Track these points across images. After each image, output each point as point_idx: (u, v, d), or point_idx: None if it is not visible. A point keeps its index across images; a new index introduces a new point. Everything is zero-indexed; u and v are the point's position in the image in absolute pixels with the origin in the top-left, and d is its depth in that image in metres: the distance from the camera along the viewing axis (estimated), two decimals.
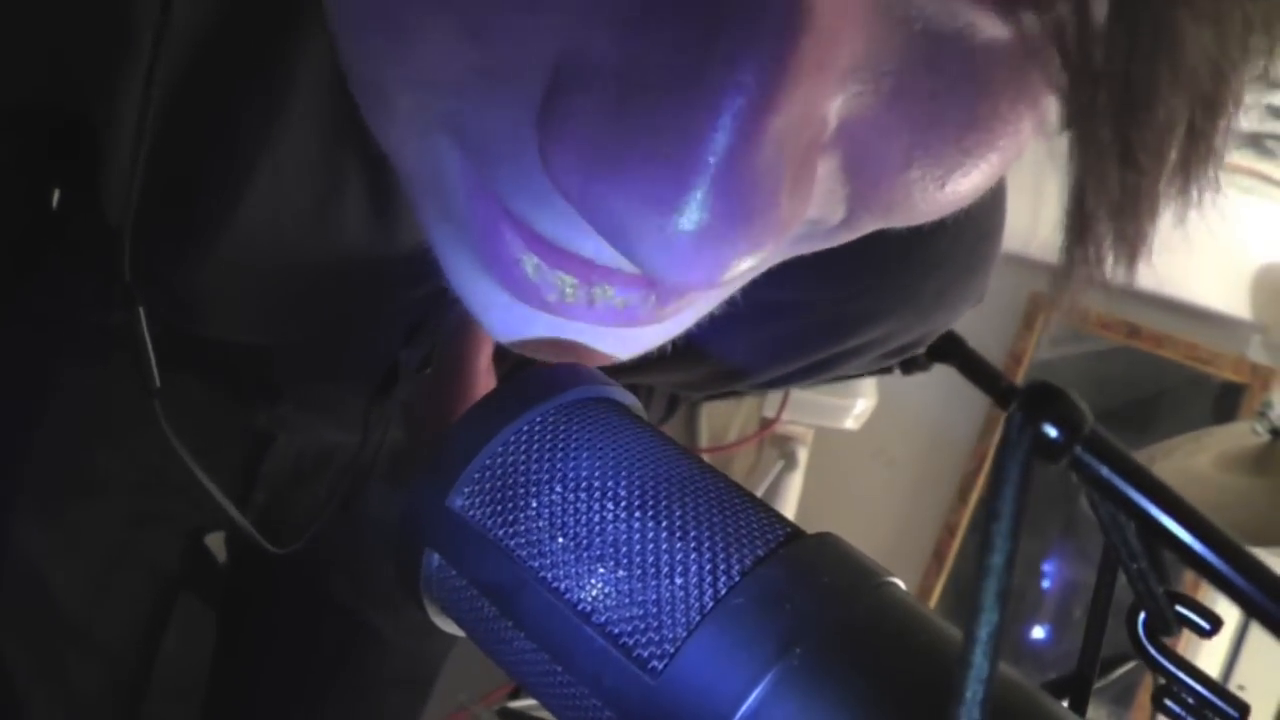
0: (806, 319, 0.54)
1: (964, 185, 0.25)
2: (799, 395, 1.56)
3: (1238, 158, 1.54)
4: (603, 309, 0.28)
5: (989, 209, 0.52)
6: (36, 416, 0.65)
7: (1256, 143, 1.62)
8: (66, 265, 0.63)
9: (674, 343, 0.33)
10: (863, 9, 0.20)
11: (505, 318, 0.29)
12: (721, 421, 1.68)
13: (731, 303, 0.33)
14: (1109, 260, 0.23)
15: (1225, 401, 1.82)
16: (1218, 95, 0.20)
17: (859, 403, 1.61)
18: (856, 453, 2.00)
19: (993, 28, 0.22)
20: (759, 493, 1.66)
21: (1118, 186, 0.21)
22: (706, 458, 1.68)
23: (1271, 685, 1.63)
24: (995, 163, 0.24)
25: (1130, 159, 0.20)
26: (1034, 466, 0.17)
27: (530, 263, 0.26)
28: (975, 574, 0.18)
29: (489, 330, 0.31)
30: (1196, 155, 0.21)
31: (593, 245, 0.25)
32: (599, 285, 0.27)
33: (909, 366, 1.09)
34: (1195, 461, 1.21)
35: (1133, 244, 0.22)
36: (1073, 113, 0.20)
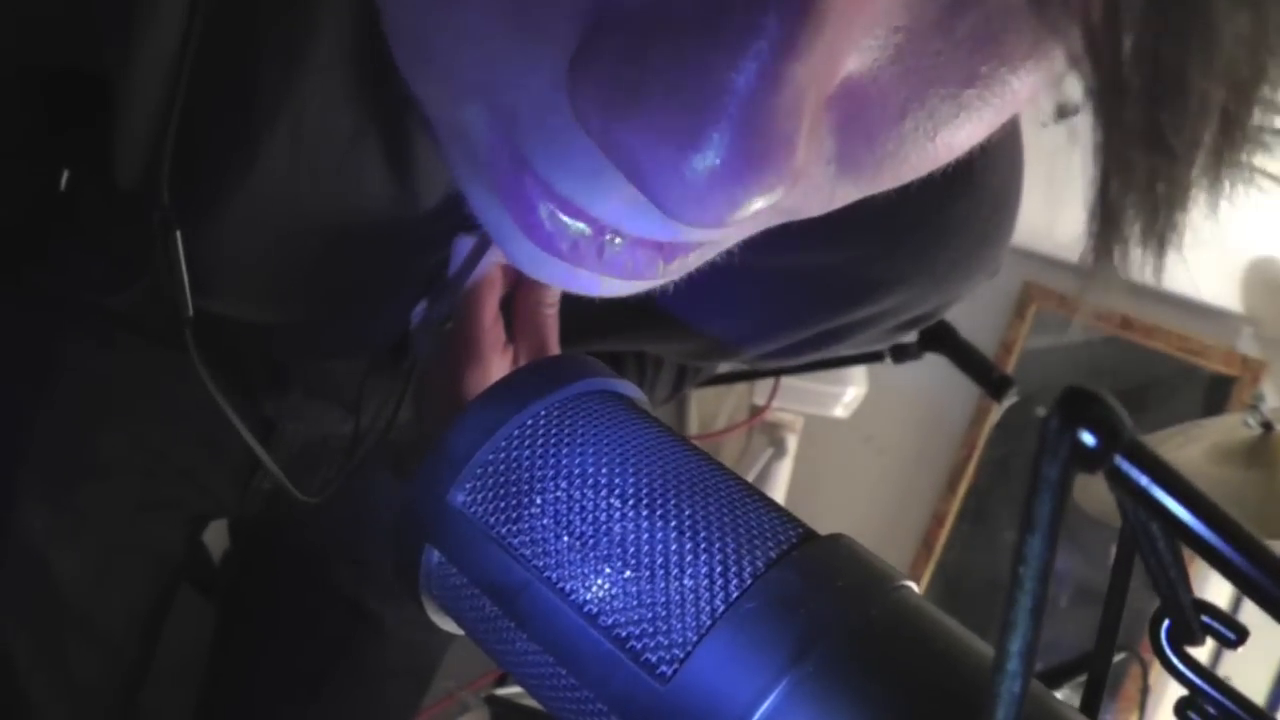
0: (819, 285, 0.53)
1: (956, 137, 0.25)
2: (789, 383, 1.55)
3: None
4: (610, 260, 0.28)
5: (1006, 179, 0.52)
6: (41, 400, 0.64)
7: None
8: (73, 247, 0.62)
9: (685, 304, 0.33)
10: None
11: (522, 250, 0.30)
12: (711, 408, 1.68)
13: (745, 266, 0.33)
14: (1137, 254, 0.22)
15: (1215, 393, 1.83)
16: (1254, 81, 0.19)
17: (849, 390, 1.60)
18: (846, 441, 2.00)
19: None
20: (748, 480, 1.67)
21: (1146, 174, 0.20)
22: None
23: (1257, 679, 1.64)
24: (989, 118, 0.24)
25: (1159, 143, 0.20)
26: (1071, 475, 0.17)
27: (546, 210, 0.27)
28: (1008, 587, 0.17)
29: (508, 257, 0.31)
30: (1230, 143, 0.21)
31: (604, 208, 0.26)
32: (609, 240, 0.28)
33: (900, 354, 1.09)
34: (1187, 453, 1.21)
35: (1161, 236, 0.22)
36: (1099, 92, 0.19)
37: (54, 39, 0.42)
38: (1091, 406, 0.17)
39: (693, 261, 0.31)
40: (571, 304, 0.51)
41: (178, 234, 0.43)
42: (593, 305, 0.40)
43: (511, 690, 1.26)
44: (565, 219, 0.27)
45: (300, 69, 0.40)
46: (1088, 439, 0.17)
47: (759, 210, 0.23)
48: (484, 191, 0.30)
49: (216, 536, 0.86)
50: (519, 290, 0.51)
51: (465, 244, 0.48)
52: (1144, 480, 0.17)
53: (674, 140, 0.21)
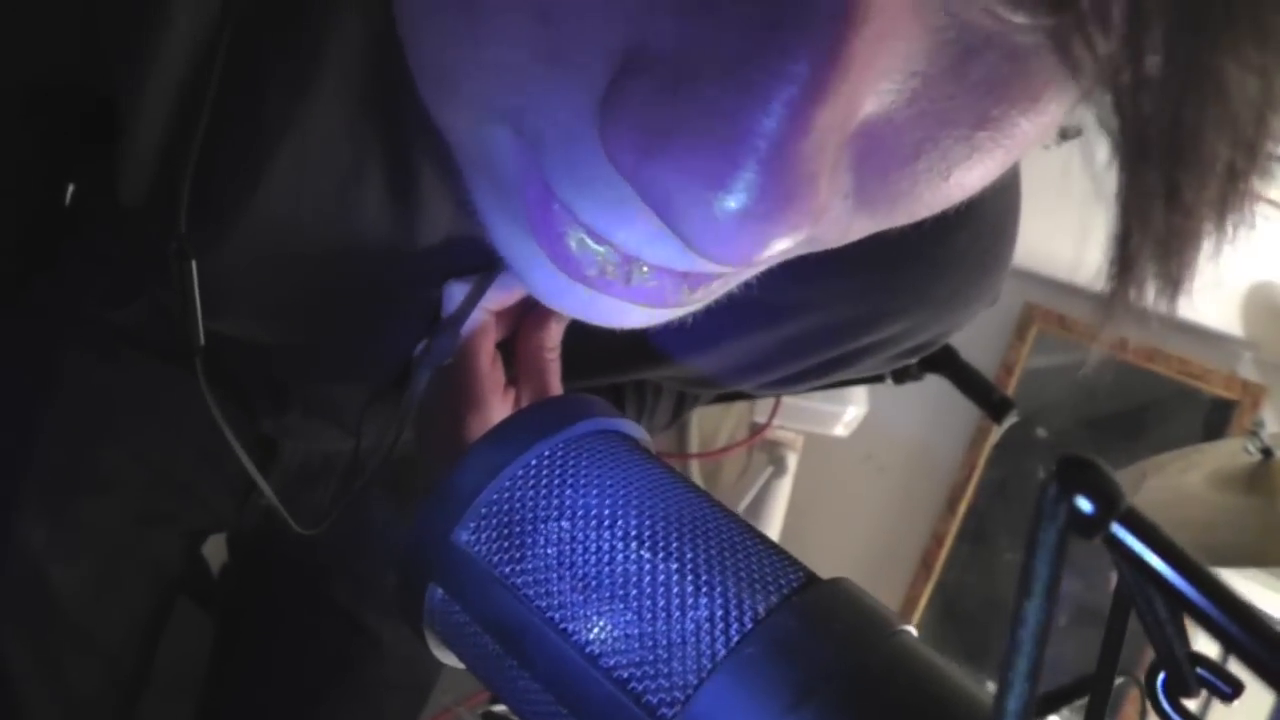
0: (819, 317, 0.54)
1: (969, 178, 0.26)
2: (789, 401, 1.55)
3: None
4: (636, 288, 0.29)
5: (1004, 209, 0.52)
6: (42, 412, 0.64)
7: None
8: (76, 261, 0.62)
9: (686, 337, 0.33)
10: (910, 13, 0.21)
11: (546, 278, 0.31)
12: (711, 427, 1.68)
13: (746, 299, 0.34)
14: (1152, 296, 0.24)
15: (1215, 417, 1.83)
16: (1259, 138, 0.21)
17: (849, 410, 1.60)
18: (846, 460, 2.00)
19: (1020, 37, 0.22)
20: (748, 498, 1.66)
21: (1163, 227, 0.22)
22: (696, 463, 1.67)
23: None
24: (1000, 158, 0.25)
25: (1176, 201, 0.21)
26: (1067, 541, 0.17)
27: (575, 237, 0.28)
28: (1006, 648, 0.17)
29: (531, 288, 0.32)
30: (1235, 194, 0.22)
31: (626, 235, 0.27)
32: (636, 264, 0.28)
33: (901, 376, 1.09)
34: (1186, 479, 1.21)
35: (1176, 280, 0.23)
36: (1125, 153, 0.20)
37: (62, 60, 0.42)
38: (1088, 474, 0.17)
39: (716, 290, 0.32)
40: (571, 343, 0.51)
41: (193, 265, 0.43)
42: (592, 342, 0.40)
43: (506, 707, 1.26)
44: (593, 245, 0.28)
45: (304, 100, 0.40)
46: (1084, 505, 0.17)
47: (785, 249, 0.23)
48: (508, 221, 0.30)
49: (214, 550, 0.86)
50: (520, 333, 0.51)
51: (457, 288, 0.48)
52: (1140, 548, 0.17)
53: (705, 181, 0.22)
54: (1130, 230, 0.22)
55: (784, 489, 1.75)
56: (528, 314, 0.51)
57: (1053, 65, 0.22)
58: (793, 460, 1.75)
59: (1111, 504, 0.17)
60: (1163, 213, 0.21)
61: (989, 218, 0.51)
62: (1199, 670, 0.23)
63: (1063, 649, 1.86)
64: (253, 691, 0.81)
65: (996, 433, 1.87)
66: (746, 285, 0.34)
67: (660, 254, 0.28)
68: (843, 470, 2.02)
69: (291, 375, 0.65)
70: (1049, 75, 0.23)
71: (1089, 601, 1.84)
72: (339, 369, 0.61)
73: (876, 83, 0.22)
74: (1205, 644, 0.22)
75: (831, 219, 0.26)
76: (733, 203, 0.22)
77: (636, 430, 0.32)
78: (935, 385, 1.06)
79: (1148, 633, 0.22)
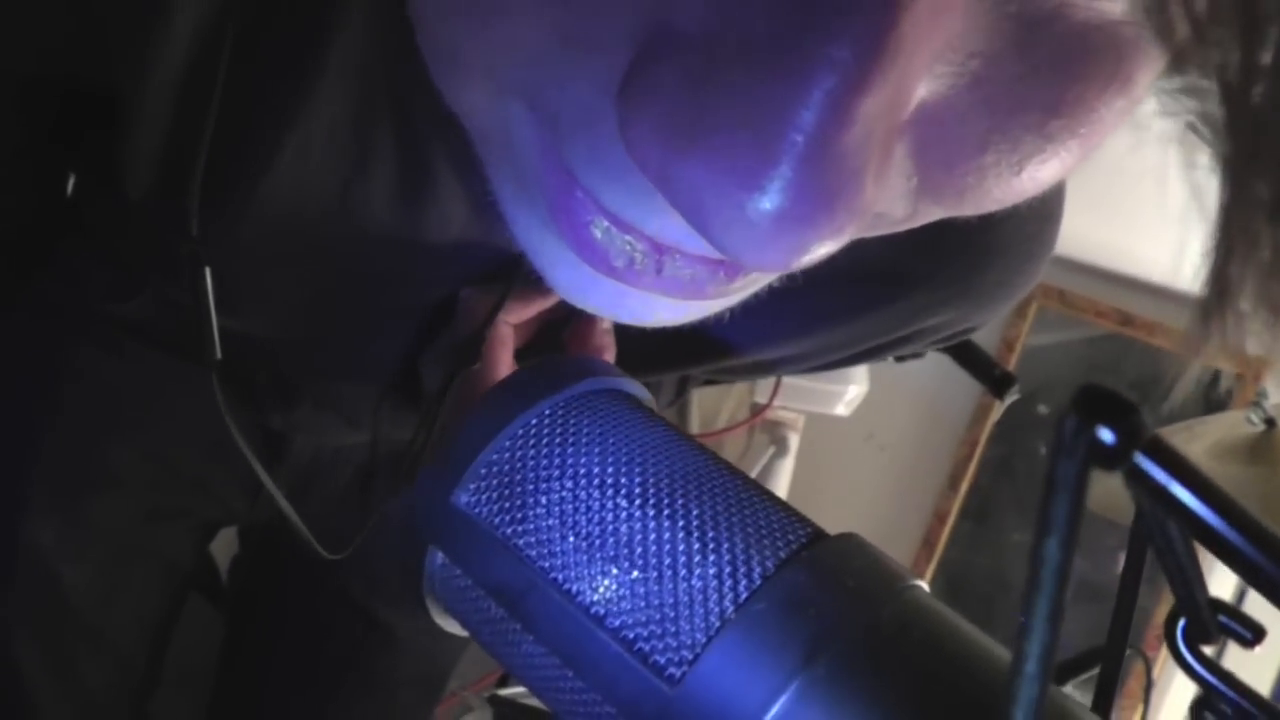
0: (863, 311, 0.52)
1: (1042, 173, 0.23)
2: (790, 381, 1.55)
3: None
4: (670, 278, 0.27)
5: (1052, 190, 0.50)
6: (49, 409, 0.63)
7: None
8: (80, 255, 0.61)
9: (721, 333, 0.31)
10: None
11: (571, 276, 0.28)
12: (712, 407, 1.67)
13: (789, 293, 0.32)
14: (1250, 325, 0.20)
15: (1217, 389, 1.82)
16: None
17: (850, 389, 1.59)
18: (848, 439, 2.00)
19: (1091, 10, 0.20)
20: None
21: (1270, 248, 0.19)
22: None
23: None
24: (1076, 150, 0.23)
25: None
26: (1088, 474, 0.16)
27: (600, 226, 0.26)
28: (1025, 589, 0.17)
29: (554, 285, 0.30)
30: None
31: (659, 225, 0.25)
32: (669, 254, 0.26)
33: (903, 354, 1.09)
34: (1190, 450, 1.21)
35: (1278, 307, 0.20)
36: (1233, 161, 0.18)
37: (61, 49, 0.41)
38: (1109, 403, 0.16)
39: (757, 280, 0.29)
40: (620, 339, 0.50)
41: (207, 271, 0.41)
42: (640, 339, 0.38)
43: (514, 690, 1.26)
44: (619, 235, 0.26)
45: (308, 88, 0.39)
46: (1106, 437, 0.16)
47: (827, 252, 0.21)
48: (529, 212, 0.28)
49: (220, 543, 0.85)
50: (571, 338, 0.50)
51: (473, 296, 0.47)
52: (1164, 478, 0.17)
53: (736, 179, 0.19)
54: (1232, 249, 0.19)
55: (786, 469, 1.74)
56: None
57: (1134, 39, 0.20)
58: (794, 440, 1.75)
59: (1135, 433, 0.16)
60: (1270, 229, 0.18)
61: (1036, 201, 0.49)
62: (1220, 618, 0.23)
63: (1069, 629, 1.86)
64: (264, 686, 0.80)
65: (998, 409, 1.87)
66: (790, 276, 0.32)
67: (700, 244, 0.25)
68: (844, 450, 2.02)
69: (299, 371, 0.64)
70: (1130, 52, 0.21)
71: (1090, 577, 1.84)
72: (343, 366, 0.60)
73: (929, 66, 0.20)
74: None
75: (893, 197, 0.24)
76: (768, 204, 0.19)
77: (637, 388, 0.31)
78: (936, 363, 1.06)
79: (1168, 577, 0.21)
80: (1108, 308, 1.89)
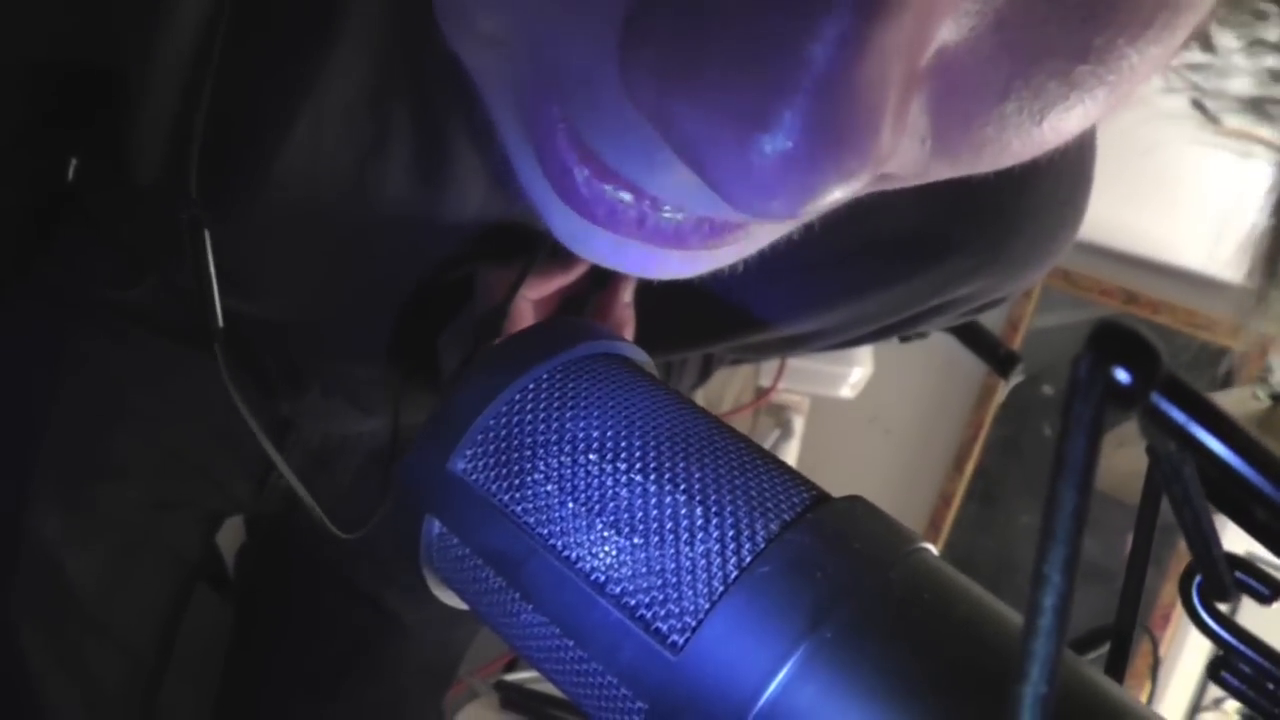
0: (894, 281, 0.50)
1: (1066, 122, 0.22)
2: (795, 364, 1.54)
3: (1237, 122, 1.53)
4: (652, 228, 0.26)
5: (1085, 151, 0.47)
6: (53, 397, 0.62)
7: (1258, 107, 1.61)
8: (83, 241, 0.61)
9: (748, 307, 0.29)
10: None
11: (566, 224, 0.28)
12: (716, 390, 1.67)
13: (818, 264, 0.31)
14: None
15: (1222, 366, 1.82)
16: None
17: (855, 371, 1.59)
18: (852, 421, 1.99)
19: None
20: None
21: None
22: None
23: None
24: (1103, 99, 0.21)
25: None
26: (1105, 414, 0.16)
27: (581, 174, 0.25)
28: (1039, 537, 0.16)
29: (554, 232, 0.29)
30: None
31: (662, 183, 0.24)
32: (654, 203, 0.25)
33: (907, 335, 1.08)
34: None
35: None
36: None
37: (67, 32, 0.40)
38: (1126, 342, 0.16)
39: (762, 237, 0.28)
40: (643, 313, 0.49)
41: (206, 234, 0.40)
42: (664, 313, 0.37)
43: (520, 676, 1.25)
44: (600, 184, 0.25)
45: (326, 69, 0.38)
46: (1123, 376, 0.15)
47: (837, 201, 0.20)
48: (531, 160, 0.27)
49: (227, 533, 0.85)
50: (593, 314, 0.49)
51: (492, 275, 0.46)
52: (1183, 419, 0.16)
53: (740, 119, 0.18)
54: None
55: (791, 452, 1.74)
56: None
57: None
58: (799, 423, 1.75)
59: (1151, 372, 0.15)
60: None
61: (1069, 162, 0.47)
62: (1237, 574, 0.22)
63: (1077, 611, 1.85)
64: (272, 675, 0.80)
65: (1003, 390, 1.87)
66: (819, 246, 0.30)
67: (706, 203, 0.24)
68: (849, 432, 2.02)
69: (309, 354, 0.63)
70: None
71: (1094, 557, 1.84)
72: (357, 348, 0.60)
73: (952, 3, 0.19)
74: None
75: (905, 160, 0.23)
76: (773, 145, 0.18)
77: (637, 353, 0.31)
78: (940, 345, 1.05)
79: (1184, 531, 0.21)
80: (1112, 286, 1.88)
